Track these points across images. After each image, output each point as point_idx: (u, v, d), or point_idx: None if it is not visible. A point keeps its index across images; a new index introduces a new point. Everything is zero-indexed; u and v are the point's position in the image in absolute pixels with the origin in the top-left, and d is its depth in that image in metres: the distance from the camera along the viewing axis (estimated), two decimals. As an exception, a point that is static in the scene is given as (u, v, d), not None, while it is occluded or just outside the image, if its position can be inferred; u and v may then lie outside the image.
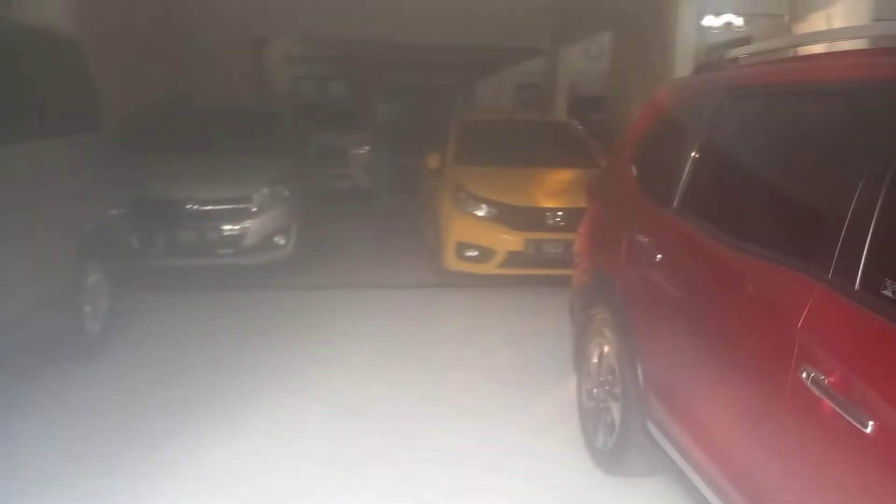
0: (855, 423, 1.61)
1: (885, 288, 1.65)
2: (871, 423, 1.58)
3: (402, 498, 3.02)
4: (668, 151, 3.10)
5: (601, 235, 3.56)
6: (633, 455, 2.96)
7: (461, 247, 6.34)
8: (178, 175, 6.24)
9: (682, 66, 7.01)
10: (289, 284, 6.44)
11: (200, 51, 10.74)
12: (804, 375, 1.80)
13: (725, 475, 2.23)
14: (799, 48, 3.52)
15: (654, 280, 2.79)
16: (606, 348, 3.20)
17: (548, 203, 6.32)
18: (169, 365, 4.45)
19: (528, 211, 6.29)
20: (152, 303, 5.67)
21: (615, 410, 3.06)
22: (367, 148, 12.17)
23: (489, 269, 6.29)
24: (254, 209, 6.17)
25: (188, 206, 5.98)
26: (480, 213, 6.37)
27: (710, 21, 10.15)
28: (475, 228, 6.33)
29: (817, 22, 4.47)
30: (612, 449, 3.07)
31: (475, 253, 6.30)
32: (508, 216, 6.27)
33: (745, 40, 13.39)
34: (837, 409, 1.67)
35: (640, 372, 2.81)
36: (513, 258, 6.22)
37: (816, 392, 1.75)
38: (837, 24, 4.43)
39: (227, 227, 6.07)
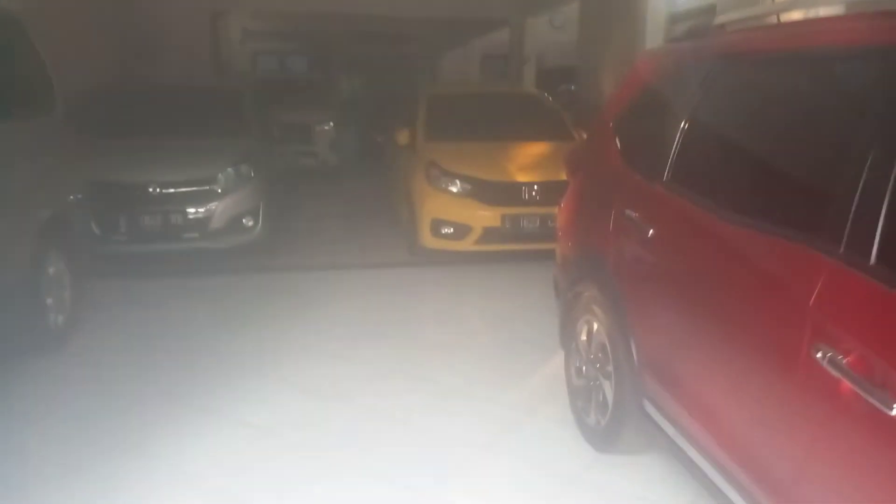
0: (878, 405, 1.54)
1: (904, 261, 1.58)
2: None
3: (389, 483, 2.92)
4: (655, 122, 3.00)
5: (586, 210, 3.46)
6: (627, 433, 2.90)
7: (437, 224, 6.21)
8: (139, 157, 6.00)
9: (654, 35, 6.92)
10: (260, 267, 6.26)
11: (155, 27, 10.32)
12: (819, 355, 1.73)
13: (728, 453, 2.18)
14: (783, 14, 3.42)
15: (646, 257, 2.71)
16: (596, 325, 3.12)
17: (523, 177, 6.22)
18: (138, 356, 4.27)
19: (503, 186, 6.18)
20: (117, 292, 5.45)
21: (608, 389, 2.99)
22: (332, 124, 11.92)
23: (466, 245, 6.18)
24: (219, 190, 5.96)
25: (150, 190, 5.75)
26: (455, 190, 6.24)
27: (676, -12, 10.05)
28: (450, 205, 6.20)
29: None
30: (606, 427, 3.01)
31: (451, 230, 6.19)
32: (484, 192, 6.16)
33: (710, 9, 13.36)
34: (858, 390, 1.60)
35: (634, 350, 2.74)
36: (490, 234, 6.12)
37: (833, 372, 1.68)
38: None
39: (191, 210, 5.86)
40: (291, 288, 5.71)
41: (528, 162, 6.68)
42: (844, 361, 1.65)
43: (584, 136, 7.23)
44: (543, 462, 3.09)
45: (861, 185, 1.74)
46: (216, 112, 6.83)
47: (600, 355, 3.06)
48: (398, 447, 3.22)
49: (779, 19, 2.88)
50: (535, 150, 6.98)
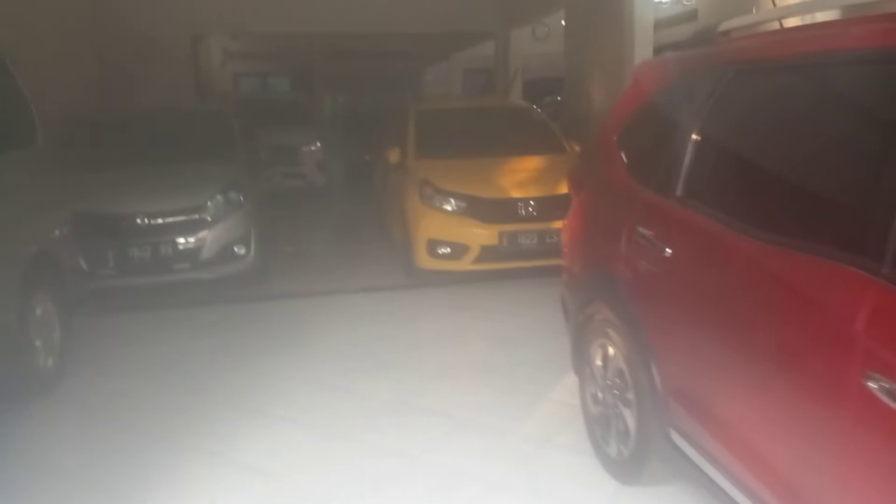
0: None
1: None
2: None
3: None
4: (661, 135, 2.91)
5: (594, 228, 3.35)
6: (652, 464, 2.78)
7: (433, 244, 6.08)
8: (125, 187, 5.84)
9: (642, 42, 6.85)
10: (252, 296, 6.09)
11: (135, 51, 10.18)
12: (871, 384, 1.62)
13: (766, 486, 2.06)
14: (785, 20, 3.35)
15: (665, 277, 2.59)
16: (612, 350, 3.00)
17: (519, 193, 6.11)
18: (131, 398, 4.09)
19: (499, 202, 6.06)
20: (107, 328, 5.27)
21: (629, 417, 2.87)
22: (318, 144, 11.79)
23: (464, 265, 6.05)
24: (208, 219, 5.80)
25: (138, 221, 5.59)
26: (450, 208, 6.12)
27: (659, -5, 10.05)
28: (446, 224, 6.07)
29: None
30: (629, 458, 2.88)
31: (448, 250, 6.05)
32: (480, 209, 6.04)
33: (691, 14, 13.40)
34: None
35: (656, 376, 2.62)
36: (487, 252, 5.99)
37: (890, 403, 1.57)
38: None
39: (181, 240, 5.69)
40: (286, 317, 5.56)
41: (522, 177, 6.58)
42: (904, 393, 1.54)
43: (577, 147, 7.16)
44: (563, 498, 2.95)
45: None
46: (202, 136, 6.68)
47: (618, 381, 2.94)
48: (406, 488, 3.05)
49: (781, 25, 2.80)
50: (529, 164, 6.88)
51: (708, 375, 2.37)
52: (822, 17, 3.63)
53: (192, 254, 5.71)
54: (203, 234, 5.73)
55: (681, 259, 2.51)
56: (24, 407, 3.92)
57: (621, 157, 3.16)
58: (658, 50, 7.41)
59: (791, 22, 3.42)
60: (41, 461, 3.37)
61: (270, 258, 6.54)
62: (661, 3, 10.34)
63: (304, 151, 11.54)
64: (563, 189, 6.14)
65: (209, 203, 5.80)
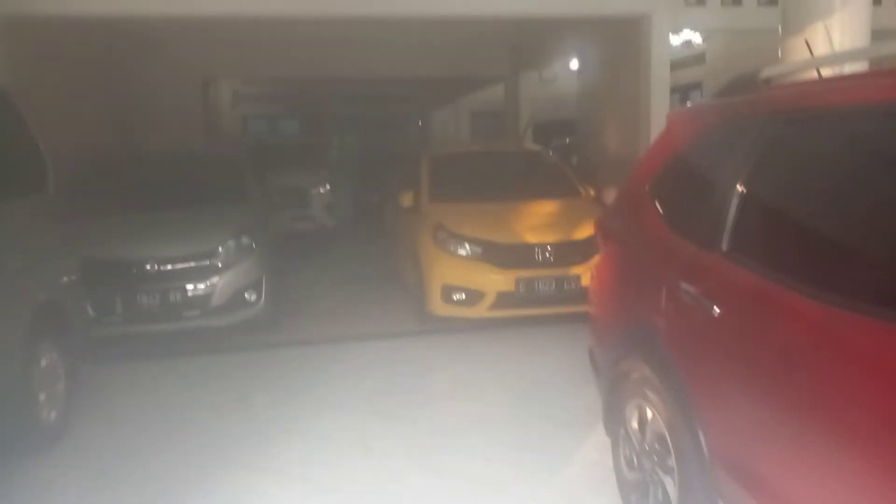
0: None
1: None
2: None
3: None
4: (701, 185, 2.78)
5: (628, 281, 3.21)
6: (697, 537, 2.58)
7: (447, 290, 5.93)
8: (135, 232, 5.74)
9: (659, 86, 6.80)
10: (261, 343, 5.92)
11: (147, 94, 10.21)
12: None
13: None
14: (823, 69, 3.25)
15: (714, 338, 2.44)
16: (650, 412, 2.82)
17: (536, 238, 5.98)
18: (137, 454, 3.91)
19: (516, 248, 5.93)
20: (113, 377, 5.11)
21: (669, 485, 2.68)
22: (327, 186, 11.74)
23: (479, 312, 5.89)
24: (219, 264, 5.67)
25: (147, 266, 5.46)
26: (465, 253, 5.99)
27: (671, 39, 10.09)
28: (461, 270, 5.94)
29: (814, 35, 4.25)
30: (671, 530, 2.68)
31: (463, 296, 5.91)
32: (496, 254, 5.91)
33: (699, 58, 13.47)
34: None
35: (703, 443, 2.44)
36: (504, 299, 5.84)
37: None
38: (836, 36, 4.23)
39: (191, 287, 5.55)
40: (296, 366, 5.37)
41: (538, 221, 6.47)
42: None
43: (591, 191, 7.06)
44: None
45: None
46: (214, 179, 6.61)
47: (657, 447, 2.76)
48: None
49: (819, 74, 2.70)
50: (545, 208, 6.78)
51: (763, 444, 2.20)
52: (849, 69, 3.56)
53: (201, 300, 5.57)
54: (214, 280, 5.60)
55: (730, 319, 2.36)
56: (23, 464, 3.73)
57: (656, 207, 3.03)
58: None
59: (829, 71, 3.33)
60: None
61: (279, 302, 6.39)
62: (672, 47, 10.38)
63: (314, 194, 11.47)
64: (581, 234, 6.06)
65: (220, 248, 5.68)
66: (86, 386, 4.60)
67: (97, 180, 6.50)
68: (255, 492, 3.43)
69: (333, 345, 5.93)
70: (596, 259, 5.82)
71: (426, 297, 6.10)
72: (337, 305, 7.32)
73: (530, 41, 11.13)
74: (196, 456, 3.86)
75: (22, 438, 3.74)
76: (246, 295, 5.79)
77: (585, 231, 6.07)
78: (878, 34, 4.51)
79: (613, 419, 3.16)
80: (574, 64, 12.05)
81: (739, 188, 2.50)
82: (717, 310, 2.41)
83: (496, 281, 5.84)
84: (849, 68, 3.50)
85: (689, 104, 12.61)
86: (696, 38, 10.43)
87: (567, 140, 13.40)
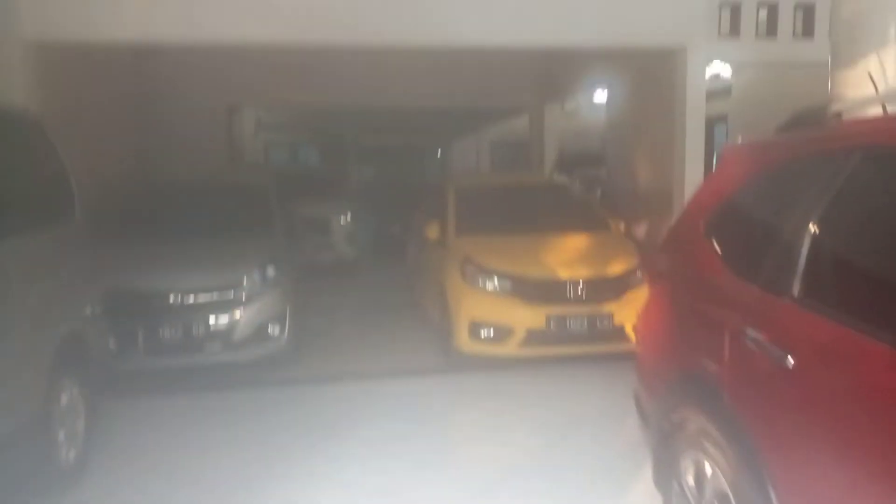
0: None
1: None
2: None
3: None
4: (767, 224, 2.62)
5: (683, 325, 3.02)
6: None
7: (475, 326, 5.75)
8: (158, 263, 5.63)
9: (694, 118, 6.65)
10: (283, 379, 5.74)
11: (172, 122, 10.21)
12: None
13: None
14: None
15: (789, 391, 2.24)
16: (710, 467, 2.62)
17: (568, 273, 5.80)
18: (157, 496, 3.75)
19: (546, 283, 5.75)
20: (132, 413, 4.95)
21: (735, 550, 2.46)
22: (348, 216, 11.65)
23: (508, 349, 5.70)
24: (244, 297, 5.54)
25: (170, 298, 5.33)
26: (494, 288, 5.82)
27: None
28: (490, 305, 5.76)
29: (867, 67, 4.10)
30: None
31: (491, 332, 5.72)
32: (526, 290, 5.73)
33: (725, 91, 13.34)
34: None
35: (775, 505, 2.24)
36: (534, 336, 5.65)
37: None
38: (891, 68, 4.08)
39: (214, 319, 5.41)
40: (318, 404, 5.17)
41: (569, 256, 6.30)
42: None
43: (621, 226, 6.89)
44: None
45: None
46: (239, 208, 6.51)
47: (719, 505, 2.55)
48: None
49: (884, 109, 2.54)
50: (575, 242, 6.62)
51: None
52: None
53: (224, 334, 5.43)
54: (237, 312, 5.46)
55: (807, 370, 2.17)
56: (40, 505, 3.58)
57: (713, 247, 2.86)
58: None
59: None
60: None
61: (301, 334, 6.24)
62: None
63: (335, 224, 11.39)
64: (614, 270, 5.88)
65: (245, 280, 5.55)
66: (103, 421, 4.45)
67: (121, 209, 6.43)
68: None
69: (357, 381, 5.75)
70: (629, 296, 5.74)
71: (453, 333, 5.92)
72: (360, 339, 7.15)
73: (557, 72, 11.07)
74: (211, 491, 3.70)
75: (39, 480, 3.58)
76: (269, 329, 5.64)
77: (618, 267, 5.91)
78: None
79: (665, 473, 2.95)
80: (598, 96, 11.99)
81: (812, 228, 2.33)
82: (791, 360, 2.23)
83: (526, 317, 5.66)
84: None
85: (735, 139, 12.44)
86: (725, 70, 10.30)
87: (595, 172, 13.25)
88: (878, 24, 4.16)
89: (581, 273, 5.81)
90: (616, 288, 5.75)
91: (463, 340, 5.82)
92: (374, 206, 14.19)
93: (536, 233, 6.56)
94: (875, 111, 2.60)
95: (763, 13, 7.62)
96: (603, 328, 5.65)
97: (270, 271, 5.74)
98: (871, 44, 4.10)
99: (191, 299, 5.37)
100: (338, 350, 6.73)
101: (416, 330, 7.19)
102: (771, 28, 7.58)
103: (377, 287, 10.22)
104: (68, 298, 4.06)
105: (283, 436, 4.57)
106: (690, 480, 2.75)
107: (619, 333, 5.66)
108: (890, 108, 2.60)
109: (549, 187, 8.04)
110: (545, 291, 5.72)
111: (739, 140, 3.20)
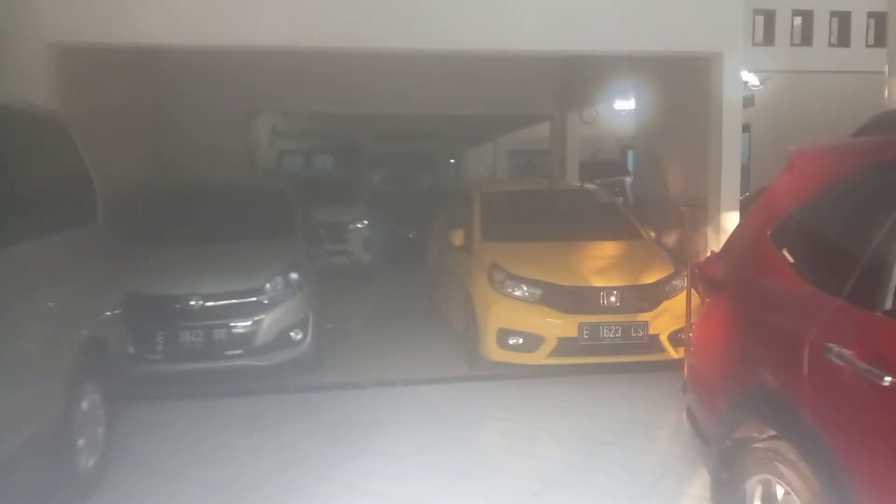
0: None
1: None
2: None
3: None
4: (849, 233, 2.43)
5: (747, 337, 2.83)
6: None
7: (504, 334, 5.57)
8: (180, 266, 5.50)
9: (731, 128, 6.47)
10: (305, 385, 5.57)
11: (190, 126, 10.12)
12: None
13: None
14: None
15: (886, 411, 2.05)
16: (782, 490, 2.43)
17: (600, 281, 5.61)
18: (174, 501, 3.61)
19: (578, 291, 5.57)
20: (151, 419, 4.79)
21: (816, 583, 2.26)
22: (364, 221, 11.52)
23: (538, 358, 5.50)
24: (266, 301, 5.38)
25: (192, 303, 5.17)
26: (523, 296, 5.63)
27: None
28: (519, 313, 5.57)
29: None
30: None
31: (520, 341, 5.53)
32: (557, 297, 5.54)
33: (748, 100, 13.15)
34: None
35: (868, 537, 2.04)
36: (564, 345, 5.45)
37: None
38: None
39: (236, 324, 5.26)
40: (341, 412, 5.00)
41: (601, 263, 6.12)
42: None
43: (652, 234, 6.70)
44: None
45: None
46: (261, 214, 6.37)
47: (795, 532, 2.35)
48: None
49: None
50: (606, 250, 6.44)
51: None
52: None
53: (246, 339, 5.27)
54: (260, 317, 5.31)
55: (910, 390, 1.98)
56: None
57: (784, 257, 2.67)
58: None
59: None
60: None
61: (322, 340, 6.07)
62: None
63: (351, 229, 11.25)
64: (648, 278, 5.69)
65: (268, 285, 5.40)
66: (123, 429, 4.29)
67: (145, 212, 6.31)
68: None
69: (379, 389, 5.57)
70: (665, 305, 5.55)
71: (480, 341, 5.73)
72: (381, 345, 6.97)
73: (580, 79, 10.91)
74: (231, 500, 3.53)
75: (59, 487, 3.42)
76: (292, 334, 5.48)
77: (653, 275, 5.73)
78: None
79: (726, 493, 2.75)
80: (620, 103, 11.81)
81: (905, 237, 2.15)
82: (887, 379, 2.04)
83: (557, 326, 5.47)
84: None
85: (759, 148, 12.22)
86: (753, 79, 10.11)
87: (616, 180, 13.07)
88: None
89: (615, 281, 5.63)
90: (651, 297, 5.57)
91: (490, 348, 5.64)
92: (390, 211, 14.07)
93: (566, 239, 6.39)
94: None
95: (798, 21, 7.44)
96: (637, 338, 5.46)
97: (294, 276, 5.59)
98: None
99: (213, 304, 5.21)
100: (359, 355, 6.56)
101: (436, 336, 7.02)
102: (806, 37, 7.39)
103: (394, 293, 10.07)
104: (90, 302, 3.92)
105: (304, 443, 4.41)
106: (757, 502, 2.56)
107: (655, 343, 5.47)
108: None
109: (576, 193, 7.85)
110: (577, 299, 5.54)
111: (802, 146, 3.02)
